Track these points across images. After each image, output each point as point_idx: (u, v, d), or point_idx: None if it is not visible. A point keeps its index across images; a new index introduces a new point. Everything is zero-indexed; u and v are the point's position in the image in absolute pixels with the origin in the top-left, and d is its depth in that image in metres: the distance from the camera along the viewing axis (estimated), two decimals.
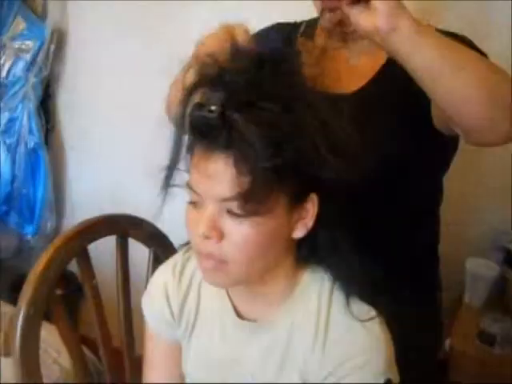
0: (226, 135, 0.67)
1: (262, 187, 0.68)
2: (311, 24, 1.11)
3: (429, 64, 0.76)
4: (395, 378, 0.78)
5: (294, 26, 1.14)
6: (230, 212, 0.71)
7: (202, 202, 0.73)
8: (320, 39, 1.06)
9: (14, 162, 2.05)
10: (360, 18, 0.77)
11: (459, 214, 1.57)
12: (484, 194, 1.53)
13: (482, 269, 1.46)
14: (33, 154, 2.07)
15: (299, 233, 0.76)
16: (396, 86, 0.91)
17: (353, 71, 1.02)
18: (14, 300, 1.86)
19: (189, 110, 0.71)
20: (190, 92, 0.73)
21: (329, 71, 0.94)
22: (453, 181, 1.46)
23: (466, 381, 1.27)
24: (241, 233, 0.71)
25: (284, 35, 1.12)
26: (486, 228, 1.52)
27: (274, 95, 0.69)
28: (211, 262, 0.74)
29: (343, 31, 0.98)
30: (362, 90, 0.99)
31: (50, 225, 2.15)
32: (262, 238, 0.72)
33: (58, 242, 0.94)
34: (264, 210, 0.70)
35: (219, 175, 0.69)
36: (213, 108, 0.67)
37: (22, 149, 2.05)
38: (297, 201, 0.74)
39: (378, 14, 0.74)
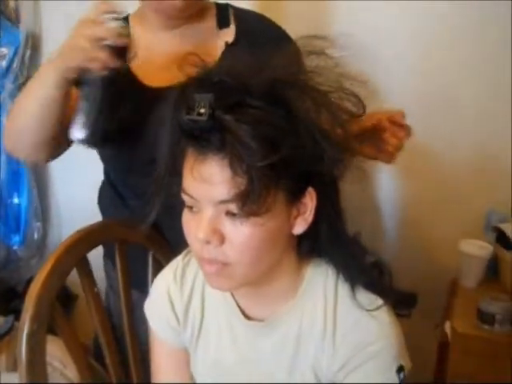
0: (219, 137, 0.66)
1: (260, 186, 0.67)
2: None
3: None
4: (407, 363, 0.79)
5: None
6: (229, 214, 0.70)
7: (198, 207, 0.72)
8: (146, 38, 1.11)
9: None
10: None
11: (450, 197, 1.59)
12: (474, 176, 1.55)
13: (475, 249, 1.48)
14: (15, 161, 2.02)
15: (300, 228, 0.76)
16: None
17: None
18: (3, 311, 1.83)
19: (178, 114, 0.69)
20: (177, 96, 0.71)
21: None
22: (443, 165, 1.48)
23: (467, 360, 1.29)
24: (241, 234, 0.70)
25: None
26: (477, 209, 1.53)
27: (262, 92, 0.68)
28: (214, 266, 0.73)
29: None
30: None
31: (36, 234, 2.10)
32: (264, 237, 0.71)
33: (57, 252, 0.91)
34: (263, 210, 0.69)
35: (215, 178, 0.68)
36: (202, 111, 0.66)
37: (3, 157, 2.01)
38: (295, 197, 0.73)
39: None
